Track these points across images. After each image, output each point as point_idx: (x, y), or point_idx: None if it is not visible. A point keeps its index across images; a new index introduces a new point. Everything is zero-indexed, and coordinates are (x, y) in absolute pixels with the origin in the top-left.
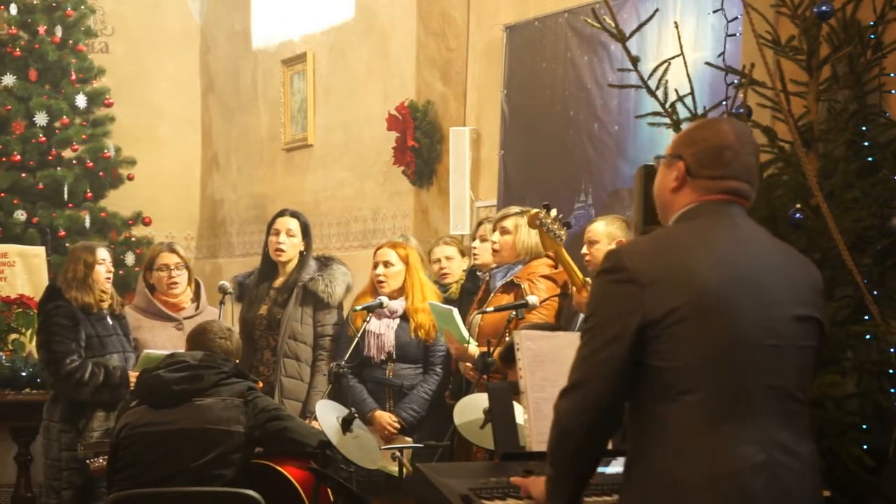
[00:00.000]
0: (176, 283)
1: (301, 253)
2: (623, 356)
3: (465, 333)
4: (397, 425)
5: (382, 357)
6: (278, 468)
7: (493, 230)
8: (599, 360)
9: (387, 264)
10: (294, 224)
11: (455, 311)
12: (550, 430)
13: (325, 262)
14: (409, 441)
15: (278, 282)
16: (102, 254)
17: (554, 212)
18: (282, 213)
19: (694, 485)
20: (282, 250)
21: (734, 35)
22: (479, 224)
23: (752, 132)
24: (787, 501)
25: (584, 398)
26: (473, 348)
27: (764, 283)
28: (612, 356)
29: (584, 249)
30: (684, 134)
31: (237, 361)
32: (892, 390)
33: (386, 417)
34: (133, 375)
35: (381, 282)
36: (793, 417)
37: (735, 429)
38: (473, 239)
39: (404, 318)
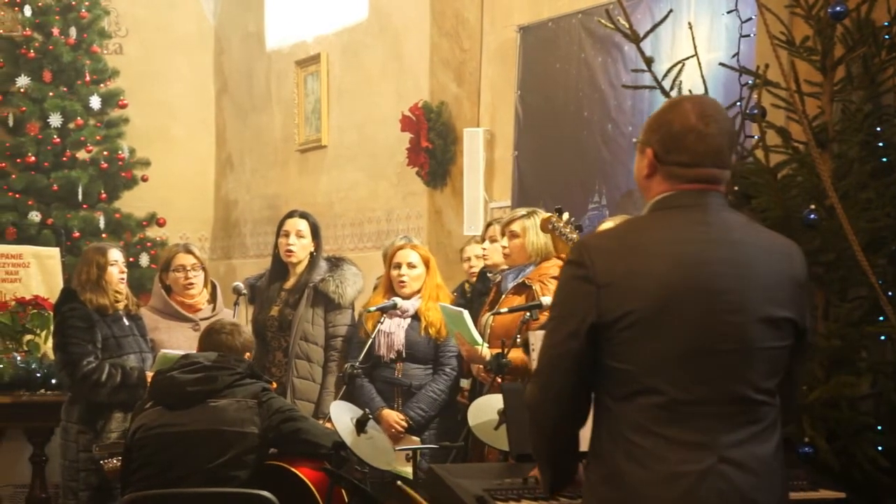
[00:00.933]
0: (192, 283)
1: (311, 254)
2: (580, 351)
3: (476, 335)
4: (404, 424)
5: (392, 356)
6: (292, 469)
7: (502, 234)
8: (558, 354)
9: (410, 265)
10: (303, 225)
11: (465, 313)
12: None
13: (335, 263)
14: (416, 441)
15: (289, 283)
16: (114, 255)
17: (566, 215)
18: (291, 215)
19: (642, 486)
20: (292, 251)
21: (748, 36)
22: (488, 225)
23: (720, 107)
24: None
25: (545, 388)
26: (485, 350)
27: (727, 287)
28: (569, 351)
29: None
30: (651, 118)
31: (248, 356)
32: None
33: (393, 416)
34: (150, 376)
35: (404, 282)
36: (752, 419)
37: (685, 432)
38: (483, 240)
39: (415, 317)
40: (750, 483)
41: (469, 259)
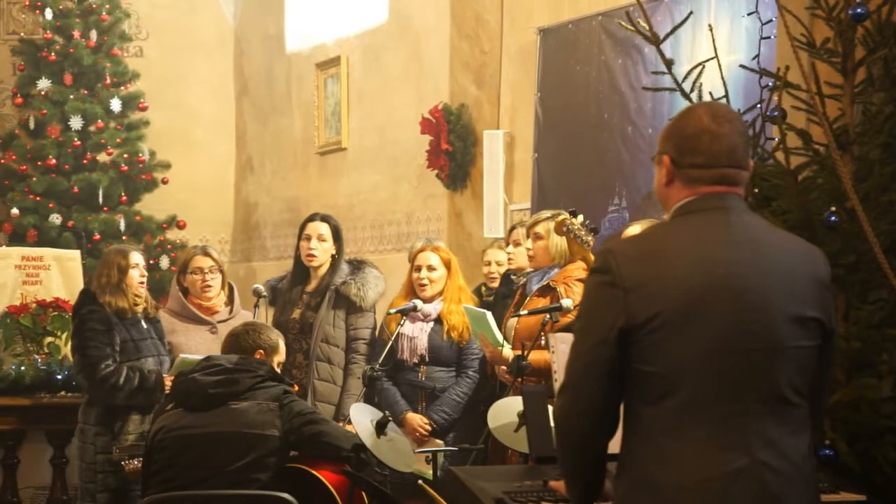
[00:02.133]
0: (210, 286)
1: (333, 257)
2: (610, 358)
3: (500, 337)
4: (428, 427)
5: (415, 360)
6: (313, 472)
7: (527, 236)
8: (587, 362)
9: (430, 268)
10: (325, 228)
11: (489, 315)
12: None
13: (357, 266)
14: (440, 443)
15: (311, 286)
16: (136, 258)
17: (580, 218)
18: (312, 218)
19: (674, 490)
20: (313, 255)
21: (768, 38)
22: (512, 229)
23: (732, 110)
24: None
25: (575, 399)
26: (508, 351)
27: (752, 287)
28: (599, 358)
29: None
30: (666, 128)
31: (261, 354)
32: None
33: (417, 419)
34: (168, 379)
35: (424, 285)
36: (783, 420)
37: (715, 434)
38: (507, 244)
39: (438, 321)
40: (781, 485)
41: (489, 263)
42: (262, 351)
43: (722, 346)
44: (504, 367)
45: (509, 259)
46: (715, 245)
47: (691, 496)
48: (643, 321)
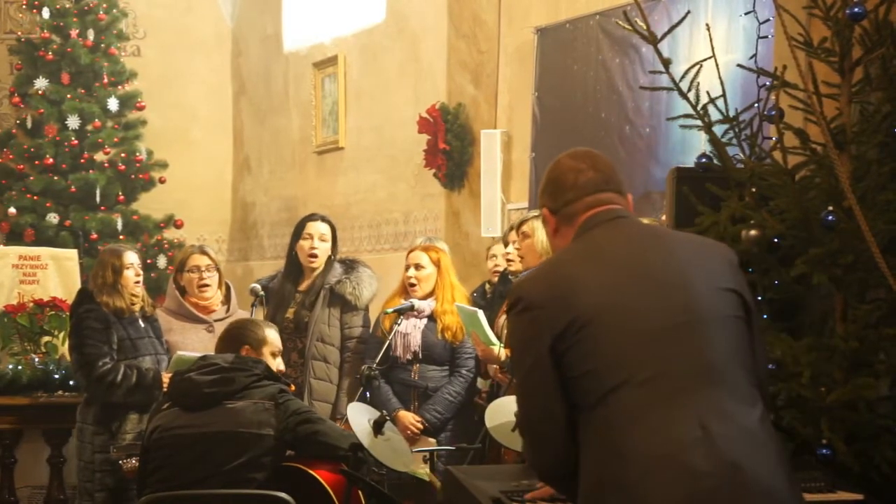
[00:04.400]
0: (206, 285)
1: (329, 256)
2: (548, 378)
3: (491, 335)
4: (420, 426)
5: (408, 357)
6: (309, 471)
7: (517, 235)
8: (531, 388)
9: (418, 267)
10: (325, 229)
11: (480, 313)
12: None
13: (350, 265)
14: (433, 442)
15: (304, 285)
16: (130, 257)
17: None
18: (312, 218)
19: (638, 478)
20: (316, 255)
21: (766, 37)
22: (510, 230)
23: (593, 152)
24: (732, 470)
25: (533, 437)
26: (500, 350)
27: (664, 268)
28: (539, 381)
29: None
30: (540, 187)
31: (247, 350)
32: None
33: (409, 417)
34: (166, 377)
35: (413, 285)
36: (729, 391)
37: (663, 413)
38: (505, 244)
39: (432, 318)
40: (738, 451)
41: (494, 256)
42: (247, 346)
43: (647, 326)
44: (496, 366)
45: (509, 261)
46: (617, 246)
47: (654, 477)
48: (564, 327)
